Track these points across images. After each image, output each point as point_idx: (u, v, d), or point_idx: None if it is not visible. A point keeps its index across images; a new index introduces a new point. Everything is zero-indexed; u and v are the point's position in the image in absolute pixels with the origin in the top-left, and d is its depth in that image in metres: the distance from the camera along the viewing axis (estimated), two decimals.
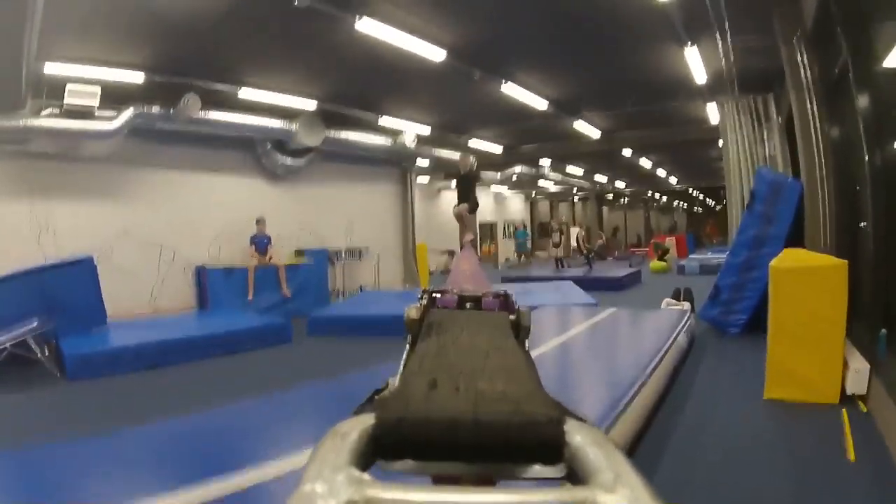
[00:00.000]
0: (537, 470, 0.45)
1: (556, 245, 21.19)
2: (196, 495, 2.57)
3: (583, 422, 0.46)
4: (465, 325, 0.73)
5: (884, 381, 4.41)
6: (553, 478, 0.44)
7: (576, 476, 0.42)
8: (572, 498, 0.36)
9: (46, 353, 7.04)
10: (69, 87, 8.62)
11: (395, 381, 0.56)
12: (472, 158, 8.64)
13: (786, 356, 5.03)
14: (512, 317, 0.80)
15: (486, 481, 0.47)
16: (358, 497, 0.35)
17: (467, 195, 8.30)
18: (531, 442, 0.44)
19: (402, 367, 0.63)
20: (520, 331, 0.76)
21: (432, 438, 0.44)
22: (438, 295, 0.89)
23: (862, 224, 5.86)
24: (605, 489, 0.36)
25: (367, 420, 0.44)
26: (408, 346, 0.74)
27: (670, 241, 27.66)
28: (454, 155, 14.98)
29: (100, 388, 6.39)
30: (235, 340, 8.22)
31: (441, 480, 0.47)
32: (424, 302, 0.85)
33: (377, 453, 0.44)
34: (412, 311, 0.78)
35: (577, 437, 0.43)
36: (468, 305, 0.88)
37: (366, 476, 0.38)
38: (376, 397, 0.50)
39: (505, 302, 0.88)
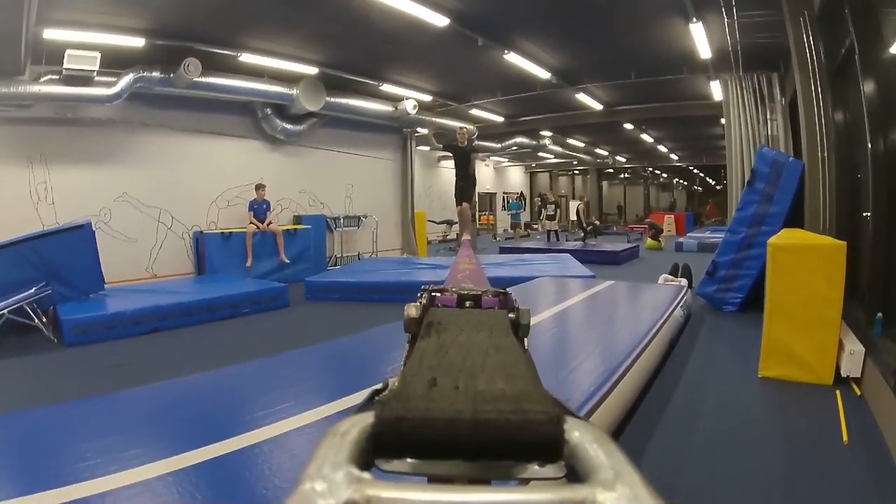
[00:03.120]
0: (536, 468, 0.45)
1: (551, 218, 21.12)
2: (194, 455, 2.59)
3: (582, 420, 0.46)
4: (465, 324, 0.73)
5: (878, 363, 4.43)
6: (552, 476, 0.44)
7: (575, 474, 0.42)
8: (572, 496, 0.36)
9: (44, 320, 7.07)
10: (68, 52, 8.50)
11: (394, 381, 0.56)
12: (472, 128, 8.66)
13: (781, 335, 5.06)
14: (511, 315, 0.80)
15: (485, 480, 0.47)
16: (357, 496, 0.35)
17: (466, 169, 8.30)
18: (530, 440, 0.44)
19: (402, 366, 0.63)
20: (519, 329, 0.76)
21: (432, 437, 0.44)
22: (438, 294, 0.89)
23: (865, 214, 5.84)
24: (605, 487, 0.36)
25: (367, 419, 0.45)
26: (407, 345, 0.74)
27: (669, 219, 27.63)
28: (455, 123, 14.96)
29: (98, 353, 6.42)
30: (234, 305, 8.29)
31: (440, 479, 0.47)
32: (424, 300, 0.85)
33: (377, 452, 0.44)
34: (412, 310, 0.78)
35: (577, 434, 0.43)
36: (468, 304, 0.88)
37: (365, 475, 0.38)
38: (376, 397, 0.50)
39: (504, 300, 0.88)
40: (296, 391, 3.69)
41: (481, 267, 2.17)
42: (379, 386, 0.56)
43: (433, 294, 0.88)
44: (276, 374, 4.20)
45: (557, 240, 20.23)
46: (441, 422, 0.44)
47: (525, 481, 0.45)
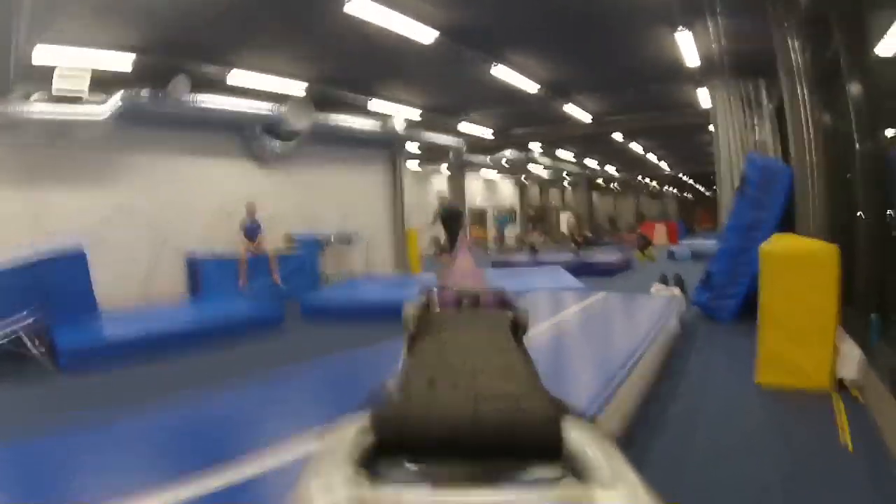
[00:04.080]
0: (536, 468, 0.44)
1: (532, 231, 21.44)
2: (194, 487, 2.55)
3: (583, 419, 0.45)
4: (464, 324, 0.72)
5: (875, 366, 4.43)
6: (552, 476, 0.44)
7: (574, 473, 0.41)
8: (571, 495, 0.35)
9: (38, 346, 6.98)
10: (58, 71, 8.46)
11: (394, 381, 0.55)
12: (447, 199, 8.83)
13: (777, 342, 5.05)
14: (511, 314, 0.80)
15: (485, 479, 0.46)
16: (357, 495, 0.34)
17: (453, 231, 8.34)
18: (529, 440, 0.43)
19: (401, 366, 0.62)
20: (518, 329, 0.76)
21: (431, 437, 0.43)
22: (437, 293, 0.88)
23: (858, 214, 5.86)
24: (603, 486, 0.36)
25: (367, 419, 0.44)
26: (406, 344, 0.73)
27: (660, 228, 27.72)
28: (444, 139, 15.12)
29: (94, 379, 6.34)
30: (229, 327, 8.22)
31: (440, 479, 0.46)
32: (423, 300, 0.84)
33: (376, 452, 0.43)
34: (411, 310, 0.77)
35: (576, 435, 0.42)
36: (467, 303, 0.87)
37: (365, 474, 0.37)
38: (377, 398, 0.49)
39: (503, 300, 0.87)
40: (297, 417, 3.64)
41: (481, 267, 2.17)
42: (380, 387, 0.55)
43: (433, 293, 0.88)
44: (275, 398, 4.17)
45: (534, 251, 20.34)
46: (441, 421, 0.44)
47: (524, 481, 0.44)
